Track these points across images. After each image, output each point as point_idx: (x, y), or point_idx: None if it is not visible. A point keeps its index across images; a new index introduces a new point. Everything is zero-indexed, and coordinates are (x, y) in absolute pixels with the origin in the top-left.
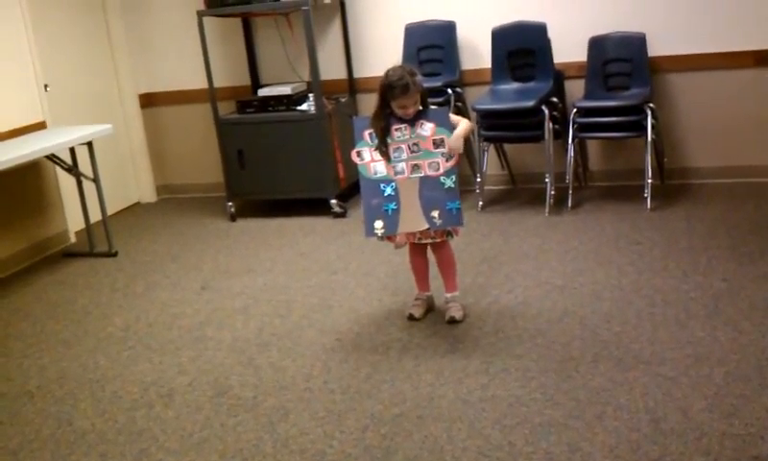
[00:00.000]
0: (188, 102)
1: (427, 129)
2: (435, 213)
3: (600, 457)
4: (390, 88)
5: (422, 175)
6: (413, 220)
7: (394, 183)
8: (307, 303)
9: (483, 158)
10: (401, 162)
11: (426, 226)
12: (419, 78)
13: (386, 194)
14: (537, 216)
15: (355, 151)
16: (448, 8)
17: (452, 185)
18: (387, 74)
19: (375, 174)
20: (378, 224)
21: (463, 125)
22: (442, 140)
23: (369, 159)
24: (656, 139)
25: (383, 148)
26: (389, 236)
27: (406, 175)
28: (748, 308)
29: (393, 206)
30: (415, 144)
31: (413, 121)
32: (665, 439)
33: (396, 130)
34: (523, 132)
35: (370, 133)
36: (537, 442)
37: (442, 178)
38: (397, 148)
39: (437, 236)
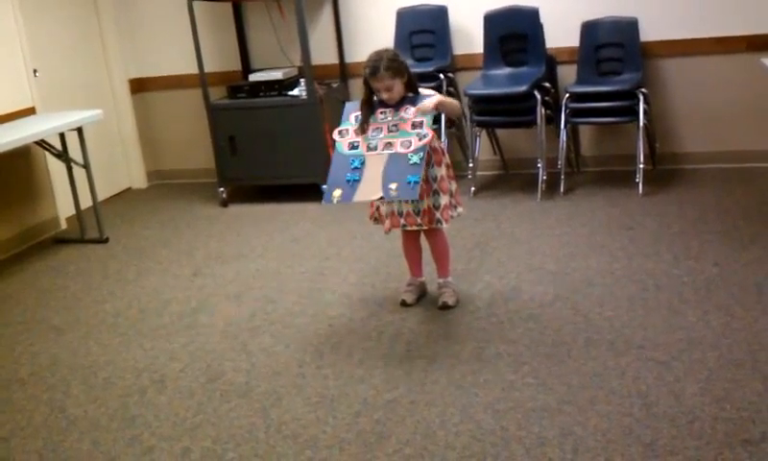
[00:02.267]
0: (179, 87)
1: (410, 112)
2: (393, 185)
3: (592, 441)
4: (366, 69)
5: (392, 151)
6: (370, 190)
7: (363, 157)
8: (299, 289)
9: (475, 144)
10: (377, 140)
11: (381, 195)
12: (398, 63)
13: (353, 166)
14: (529, 201)
15: (338, 129)
16: None
17: (417, 162)
18: (367, 59)
19: (350, 150)
20: (337, 192)
21: (447, 98)
22: (421, 123)
23: (348, 137)
24: (648, 124)
25: (365, 126)
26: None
27: (378, 151)
28: (739, 293)
29: (355, 177)
30: (394, 125)
31: (398, 106)
32: (657, 423)
33: (381, 112)
34: (515, 117)
35: (356, 116)
36: (529, 426)
37: (410, 154)
38: (377, 128)
39: (423, 223)
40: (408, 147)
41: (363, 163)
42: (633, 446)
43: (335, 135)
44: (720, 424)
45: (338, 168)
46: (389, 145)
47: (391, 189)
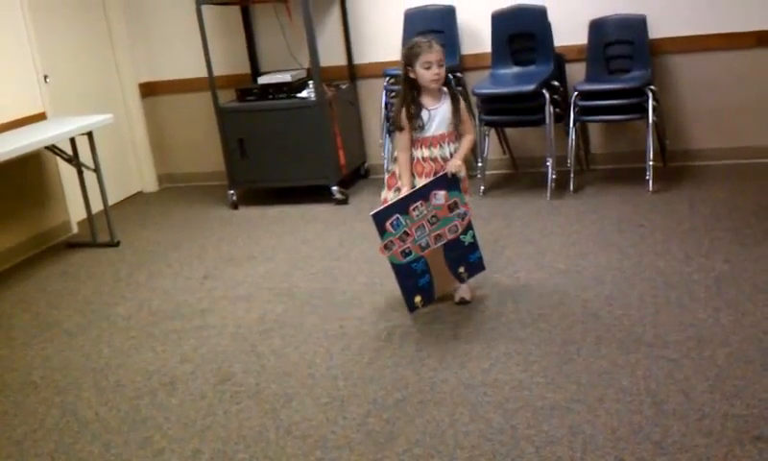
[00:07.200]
0: (189, 90)
1: (440, 197)
2: (461, 269)
3: (602, 439)
4: (413, 48)
5: (445, 242)
6: (444, 283)
7: (423, 259)
8: (309, 291)
9: (484, 143)
10: (425, 238)
11: (456, 283)
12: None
13: (419, 271)
14: (538, 200)
15: (382, 245)
16: None
17: (472, 240)
18: (408, 44)
19: (405, 258)
20: (417, 298)
21: (462, 148)
22: (455, 203)
23: (396, 248)
24: (657, 122)
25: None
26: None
27: (432, 247)
28: (750, 290)
29: (426, 279)
30: (433, 217)
31: (427, 193)
32: (667, 421)
33: (414, 209)
34: (524, 116)
35: (392, 223)
36: (538, 425)
37: (461, 237)
38: (419, 226)
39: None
40: (456, 231)
41: (425, 264)
42: (642, 443)
43: (383, 253)
44: (730, 422)
45: (406, 278)
46: (439, 237)
47: (461, 272)
